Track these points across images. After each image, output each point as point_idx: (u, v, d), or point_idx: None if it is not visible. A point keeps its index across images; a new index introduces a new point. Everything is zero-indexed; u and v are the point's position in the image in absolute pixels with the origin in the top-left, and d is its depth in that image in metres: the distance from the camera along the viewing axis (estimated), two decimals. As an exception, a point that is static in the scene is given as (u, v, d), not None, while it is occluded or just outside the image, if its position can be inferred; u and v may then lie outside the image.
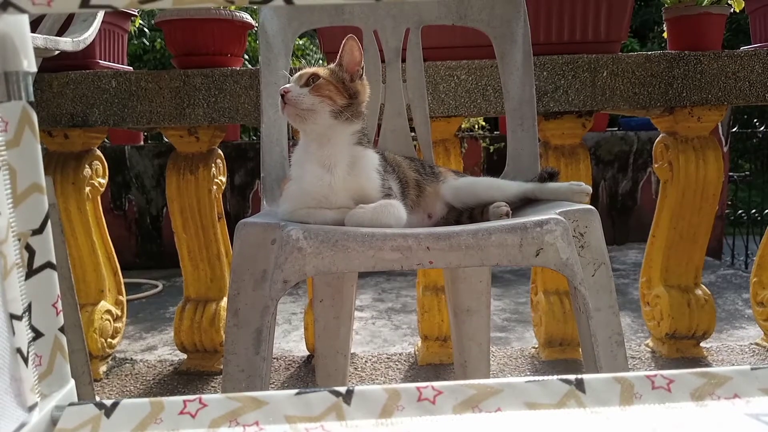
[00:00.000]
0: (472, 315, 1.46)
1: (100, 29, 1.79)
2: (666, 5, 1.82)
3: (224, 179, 1.90)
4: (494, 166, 3.71)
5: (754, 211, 3.93)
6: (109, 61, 1.84)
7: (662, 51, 1.72)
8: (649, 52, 1.70)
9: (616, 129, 4.25)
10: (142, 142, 3.89)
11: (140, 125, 1.70)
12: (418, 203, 1.15)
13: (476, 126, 3.83)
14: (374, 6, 1.38)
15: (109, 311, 1.93)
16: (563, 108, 1.68)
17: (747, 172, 4.03)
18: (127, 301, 3.31)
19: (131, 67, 1.88)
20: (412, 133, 1.48)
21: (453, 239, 0.88)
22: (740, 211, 4.02)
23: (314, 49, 5.94)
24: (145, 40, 5.32)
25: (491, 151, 3.72)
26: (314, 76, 1.00)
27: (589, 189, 1.11)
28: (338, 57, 1.03)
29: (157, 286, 3.49)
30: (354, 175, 1.01)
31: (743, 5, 1.84)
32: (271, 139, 1.28)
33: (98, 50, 1.79)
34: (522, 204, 1.20)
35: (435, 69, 1.66)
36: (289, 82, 1.00)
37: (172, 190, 1.78)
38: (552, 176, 1.20)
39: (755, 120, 4.19)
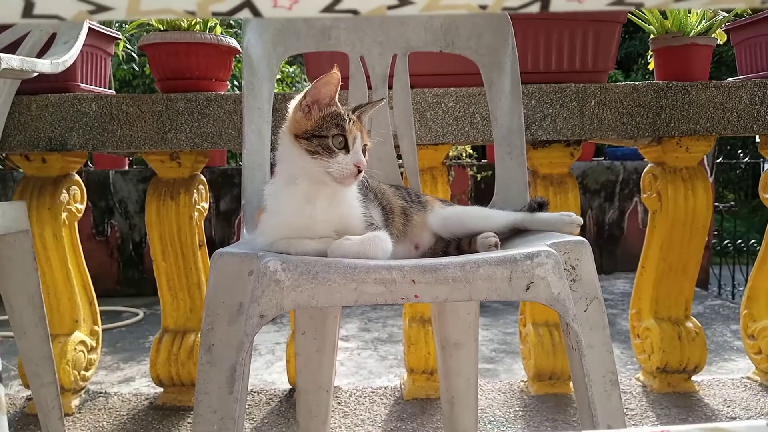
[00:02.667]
0: (459, 349, 1.41)
1: (81, 52, 1.75)
2: (653, 36, 1.82)
3: (206, 206, 1.85)
4: (482, 194, 3.69)
5: (740, 241, 3.93)
6: (92, 85, 1.79)
7: (650, 81, 1.71)
8: (637, 82, 1.68)
9: (602, 158, 4.26)
10: (126, 167, 3.83)
11: (120, 150, 1.65)
12: (405, 233, 1.11)
13: (464, 154, 3.82)
14: (361, 32, 1.35)
15: (83, 342, 1.85)
16: (551, 137, 1.65)
17: (732, 203, 4.04)
18: (105, 330, 3.23)
19: (113, 91, 1.84)
20: (399, 161, 1.45)
21: (440, 272, 0.83)
22: (726, 241, 4.02)
23: (305, 78, 5.95)
24: (135, 66, 5.30)
25: (479, 179, 3.70)
26: (365, 147, 0.98)
27: (580, 220, 1.08)
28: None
29: (137, 315, 3.40)
30: (335, 205, 0.97)
31: (726, 38, 1.84)
32: (253, 165, 1.23)
33: (80, 73, 1.74)
34: (511, 234, 1.16)
35: (422, 96, 1.64)
36: (351, 148, 0.94)
37: (151, 216, 1.72)
38: (541, 206, 1.16)
39: (739, 151, 4.23)
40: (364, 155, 0.97)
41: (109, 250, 3.75)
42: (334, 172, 0.92)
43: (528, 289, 0.84)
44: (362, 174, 0.94)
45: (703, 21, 1.75)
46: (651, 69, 2.06)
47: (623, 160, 3.97)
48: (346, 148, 0.94)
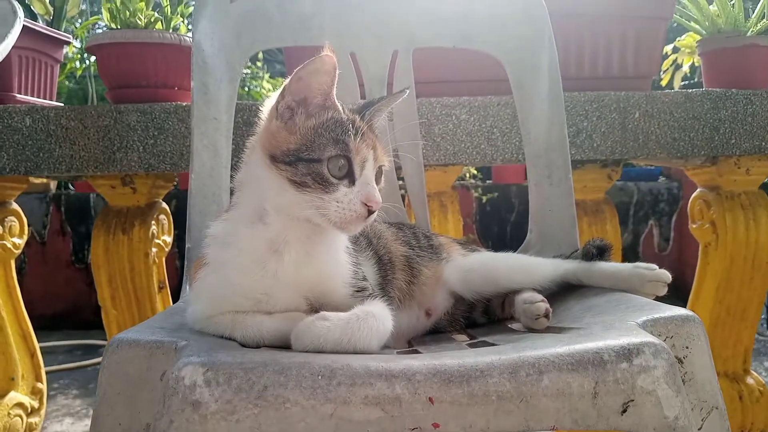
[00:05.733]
0: None
1: (20, 57, 1.41)
2: (701, 37, 1.48)
3: (169, 239, 1.49)
4: (487, 218, 3.33)
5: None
6: (33, 96, 1.45)
7: (705, 89, 1.36)
8: (690, 90, 1.34)
9: (613, 179, 3.90)
10: (109, 190, 3.46)
11: (59, 173, 1.30)
12: (411, 293, 0.74)
13: (467, 174, 3.46)
14: (350, 20, 1.01)
15: (20, 404, 1.47)
16: (587, 156, 1.30)
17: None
18: (78, 368, 2.84)
19: (60, 105, 1.49)
20: (400, 181, 1.10)
21: (475, 383, 0.47)
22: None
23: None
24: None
25: (484, 201, 3.34)
26: (381, 169, 0.63)
27: (668, 276, 0.72)
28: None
29: (115, 350, 3.01)
30: (313, 259, 0.61)
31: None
32: (204, 194, 0.88)
33: (16, 82, 1.40)
34: (560, 290, 0.80)
35: (429, 107, 1.28)
36: (359, 176, 0.60)
37: (98, 254, 1.36)
38: (602, 252, 0.80)
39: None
40: (379, 182, 0.61)
41: (88, 278, 3.37)
42: (331, 215, 0.57)
43: (625, 411, 0.48)
44: (375, 215, 0.59)
45: (764, 19, 1.40)
46: (663, 84, 1.73)
47: (637, 180, 3.61)
48: (350, 177, 0.58)
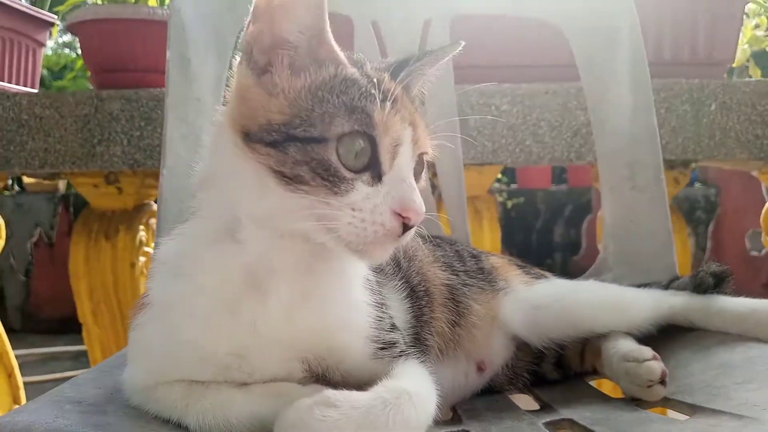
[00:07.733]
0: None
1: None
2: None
3: (161, 247, 1.28)
4: (512, 225, 3.08)
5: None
6: (10, 83, 1.24)
7: (795, 76, 1.12)
8: (777, 78, 1.10)
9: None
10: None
11: (31, 169, 1.10)
12: (455, 339, 0.52)
13: (491, 178, 3.21)
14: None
15: (-9, 431, 1.27)
16: (653, 155, 1.06)
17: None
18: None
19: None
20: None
21: None
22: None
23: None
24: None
25: (509, 206, 3.10)
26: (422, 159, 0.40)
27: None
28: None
29: (120, 357, 2.83)
30: (315, 299, 0.38)
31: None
32: (181, 197, 0.66)
33: (-8, 66, 1.20)
34: (658, 333, 0.56)
35: (463, 95, 1.05)
36: (389, 168, 0.37)
37: (77, 262, 1.16)
38: (720, 280, 0.56)
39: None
40: (419, 179, 0.38)
41: (96, 281, 3.19)
42: (344, 231, 0.34)
43: None
44: (413, 232, 0.36)
45: None
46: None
47: (670, 186, 3.36)
48: (374, 168, 0.36)
